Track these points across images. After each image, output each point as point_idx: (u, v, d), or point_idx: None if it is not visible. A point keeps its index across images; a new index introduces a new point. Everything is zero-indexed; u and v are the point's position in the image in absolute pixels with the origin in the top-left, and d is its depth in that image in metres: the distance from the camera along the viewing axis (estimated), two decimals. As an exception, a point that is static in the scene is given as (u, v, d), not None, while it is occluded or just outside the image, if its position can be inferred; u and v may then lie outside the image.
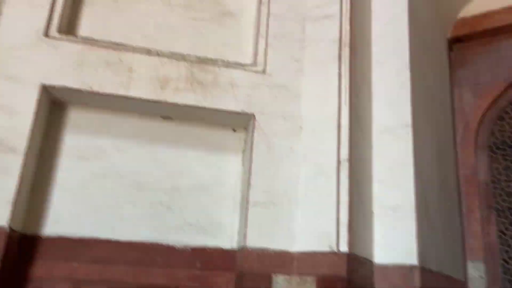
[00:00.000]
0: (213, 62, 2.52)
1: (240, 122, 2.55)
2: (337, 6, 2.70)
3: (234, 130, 2.60)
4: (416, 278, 2.42)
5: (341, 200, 2.32)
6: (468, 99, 3.99)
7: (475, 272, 3.59)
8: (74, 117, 2.42)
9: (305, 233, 2.34)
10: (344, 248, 2.22)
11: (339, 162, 2.40)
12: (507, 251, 3.62)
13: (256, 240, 2.24)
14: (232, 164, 2.55)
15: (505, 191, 3.76)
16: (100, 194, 2.34)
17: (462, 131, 3.94)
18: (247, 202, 2.32)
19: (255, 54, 2.61)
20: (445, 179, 3.41)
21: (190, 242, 2.34)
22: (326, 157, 2.41)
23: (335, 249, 2.21)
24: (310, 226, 2.33)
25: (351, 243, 2.24)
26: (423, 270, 2.50)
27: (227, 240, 2.38)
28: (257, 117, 2.46)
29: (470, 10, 4.09)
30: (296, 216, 2.38)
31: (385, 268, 2.50)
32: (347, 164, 2.39)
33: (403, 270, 2.46)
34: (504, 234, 3.66)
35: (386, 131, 2.77)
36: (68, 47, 2.35)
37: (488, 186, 3.80)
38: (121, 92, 2.34)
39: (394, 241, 2.55)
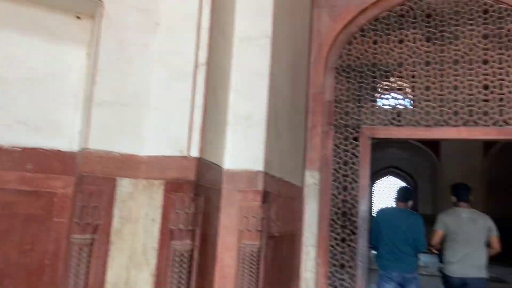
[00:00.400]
0: None
1: (85, 7, 2.20)
2: None
3: (78, 17, 2.24)
4: (260, 182, 2.57)
5: (195, 105, 2.25)
6: (325, 21, 4.17)
7: (311, 179, 4.03)
8: None
9: (156, 137, 2.24)
10: (194, 153, 2.19)
11: (196, 65, 2.28)
12: (338, 162, 4.12)
13: (100, 142, 2.06)
14: (75, 57, 2.23)
15: (344, 110, 4.18)
16: None
17: (316, 51, 4.16)
18: (91, 101, 2.09)
19: None
20: (296, 94, 3.60)
21: (20, 142, 2.04)
22: (183, 59, 2.27)
23: (185, 153, 2.18)
24: (161, 130, 2.24)
25: (202, 149, 2.23)
26: (267, 175, 2.67)
27: (66, 142, 2.14)
28: (105, 5, 2.14)
29: None
30: (146, 119, 2.25)
31: (233, 173, 2.59)
32: (204, 68, 2.29)
33: (249, 175, 2.59)
34: (338, 147, 4.14)
35: (247, 40, 2.72)
36: None
37: (331, 104, 4.17)
38: None
39: (244, 148, 2.63)
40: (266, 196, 2.65)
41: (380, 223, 4.08)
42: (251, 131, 2.66)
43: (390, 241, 3.95)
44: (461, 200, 3.99)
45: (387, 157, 15.55)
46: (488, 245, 3.84)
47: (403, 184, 18.20)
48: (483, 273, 3.73)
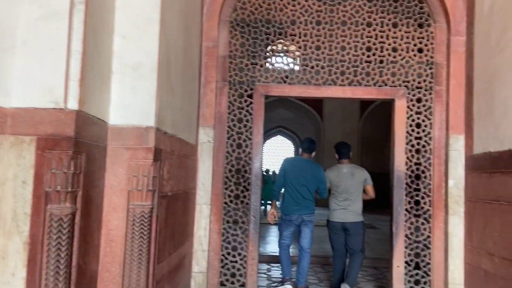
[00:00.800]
0: None
1: None
2: None
3: None
4: (151, 139, 2.39)
5: (72, 50, 1.95)
6: (219, -30, 3.95)
7: (205, 137, 3.93)
8: None
9: (25, 86, 1.91)
10: (73, 105, 1.92)
11: (72, 4, 1.96)
12: (232, 120, 4.07)
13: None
14: None
15: (238, 66, 4.09)
16: None
17: (209, 2, 3.95)
18: None
19: None
20: (189, 47, 3.40)
21: None
22: (56, -5, 1.94)
23: (62, 105, 1.89)
24: (31, 78, 1.91)
25: (81, 100, 1.96)
26: (158, 131, 2.49)
27: None
28: None
29: None
30: (13, 66, 1.91)
31: (120, 129, 2.36)
32: (82, 8, 1.98)
33: (139, 131, 2.38)
34: (233, 104, 4.07)
35: (133, -21, 2.43)
36: None
37: (225, 60, 4.05)
38: None
39: (132, 101, 2.41)
40: (157, 154, 2.49)
41: (286, 171, 4.22)
42: (140, 83, 2.43)
43: (294, 187, 4.14)
44: (342, 157, 4.34)
45: (276, 118, 16.13)
46: (364, 192, 4.30)
47: (290, 143, 19.23)
48: (360, 218, 4.21)
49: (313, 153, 4.36)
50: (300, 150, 4.43)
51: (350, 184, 4.17)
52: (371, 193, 4.24)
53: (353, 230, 4.14)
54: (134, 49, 2.43)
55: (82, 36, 1.98)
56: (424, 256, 3.91)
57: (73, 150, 1.88)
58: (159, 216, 2.59)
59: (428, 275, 3.88)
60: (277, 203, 4.60)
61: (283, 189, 4.32)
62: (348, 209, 4.13)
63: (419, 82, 4.02)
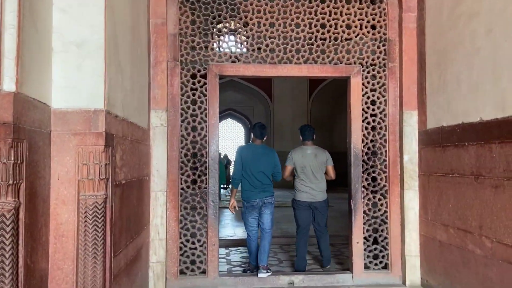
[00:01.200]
0: None
1: None
2: None
3: None
4: (101, 123, 2.18)
5: (6, 24, 1.71)
6: None
7: (158, 120, 3.72)
8: None
9: (-52, 65, 1.65)
10: (10, 86, 1.68)
11: (2, -30, 1.70)
12: (186, 102, 3.88)
13: None
14: None
15: (190, 44, 3.89)
16: None
17: (157, -24, 3.69)
18: None
19: None
20: (136, 23, 3.16)
21: None
22: (-18, -42, 1.67)
23: (-4, 87, 1.66)
24: (-44, 56, 1.65)
25: (20, 82, 1.73)
26: (109, 114, 2.29)
27: None
28: None
29: None
30: None
31: (65, 113, 2.14)
32: (14, -25, 1.73)
33: (87, 115, 2.17)
34: (186, 85, 3.88)
35: None
36: None
37: (175, 38, 3.83)
38: None
39: (78, 82, 2.18)
40: (109, 139, 2.28)
41: (243, 159, 4.23)
42: (86, 62, 2.20)
43: (252, 174, 4.19)
44: (306, 139, 4.46)
45: (225, 100, 15.92)
46: (326, 173, 4.43)
47: (240, 126, 19.13)
48: (325, 196, 4.42)
49: (265, 138, 4.43)
50: (252, 136, 4.46)
51: (315, 165, 4.31)
52: (331, 173, 4.40)
53: (320, 208, 4.35)
54: (77, 25, 2.19)
55: (16, 8, 1.73)
56: (382, 231, 3.99)
57: (13, 137, 1.66)
58: (114, 207, 2.40)
59: (386, 249, 3.97)
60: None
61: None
62: (315, 189, 4.30)
63: (373, 59, 4.03)
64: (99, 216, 2.22)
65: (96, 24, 2.22)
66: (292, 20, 3.98)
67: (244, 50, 3.99)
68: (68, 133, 2.15)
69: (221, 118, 18.15)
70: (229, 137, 19.31)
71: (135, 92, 3.12)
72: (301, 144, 4.49)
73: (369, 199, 4.01)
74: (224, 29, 3.97)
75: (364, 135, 4.02)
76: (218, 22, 3.94)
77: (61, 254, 2.16)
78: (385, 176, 3.99)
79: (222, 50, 3.95)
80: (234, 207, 4.28)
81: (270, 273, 4.01)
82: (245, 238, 4.43)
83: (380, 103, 4.03)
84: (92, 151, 2.19)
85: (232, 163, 4.33)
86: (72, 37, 2.18)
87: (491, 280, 2.85)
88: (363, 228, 3.98)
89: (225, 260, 4.94)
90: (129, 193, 2.86)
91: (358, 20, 4.01)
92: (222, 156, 13.62)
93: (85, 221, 2.19)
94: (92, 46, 2.21)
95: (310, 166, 4.32)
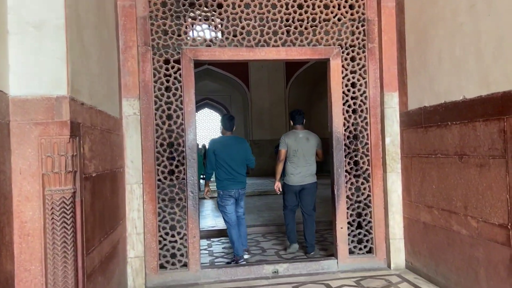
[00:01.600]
0: None
1: None
2: None
3: None
4: (65, 111, 2.00)
5: None
6: None
7: (130, 109, 3.52)
8: None
9: None
10: (-44, 70, 1.50)
11: None
12: (160, 89, 3.69)
13: None
14: None
15: (162, 28, 3.69)
16: None
17: (123, -45, 3.47)
18: None
19: None
20: (102, 4, 2.95)
21: None
22: None
23: None
24: None
25: (-32, 65, 1.54)
26: (74, 102, 2.10)
27: None
28: None
29: None
30: None
31: (24, 101, 1.95)
32: None
33: (49, 102, 1.98)
34: (159, 71, 3.69)
35: None
36: None
37: (145, 21, 3.62)
38: None
39: (38, 67, 1.99)
40: (75, 128, 2.10)
41: (217, 152, 4.30)
42: (46, 44, 2.01)
43: (227, 165, 4.28)
44: (297, 123, 4.57)
45: (202, 90, 15.66)
46: (316, 155, 4.56)
47: (217, 115, 18.90)
48: (315, 179, 4.54)
49: (233, 128, 4.51)
50: (222, 128, 4.49)
51: (306, 148, 4.45)
52: (320, 156, 4.58)
53: (309, 190, 4.47)
54: (35, 4, 2.00)
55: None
56: (366, 215, 3.93)
57: (-40, 127, 1.47)
58: (84, 201, 2.23)
59: (370, 233, 3.92)
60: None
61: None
62: (306, 172, 4.44)
63: (352, 40, 3.92)
64: (68, 212, 2.05)
65: (55, 2, 2.02)
66: (268, 0, 3.83)
67: (219, 33, 3.81)
68: (29, 123, 1.96)
69: (198, 108, 17.87)
70: (206, 127, 19.07)
71: (104, 78, 2.92)
72: (292, 129, 4.63)
73: (352, 184, 3.93)
74: (197, 11, 3.78)
75: (345, 118, 3.92)
76: (191, 4, 3.74)
77: (28, 254, 1.99)
78: (368, 160, 3.92)
79: (196, 33, 3.77)
80: (209, 191, 4.53)
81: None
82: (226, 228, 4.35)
83: (361, 85, 3.93)
84: (57, 142, 2.01)
85: (210, 153, 4.33)
86: (29, 17, 1.99)
87: (478, 260, 2.82)
88: (347, 213, 3.91)
89: (207, 252, 4.81)
90: (101, 186, 2.68)
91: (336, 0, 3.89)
92: (200, 147, 13.42)
93: (52, 218, 2.02)
94: (52, 27, 2.01)
95: (302, 149, 4.43)
